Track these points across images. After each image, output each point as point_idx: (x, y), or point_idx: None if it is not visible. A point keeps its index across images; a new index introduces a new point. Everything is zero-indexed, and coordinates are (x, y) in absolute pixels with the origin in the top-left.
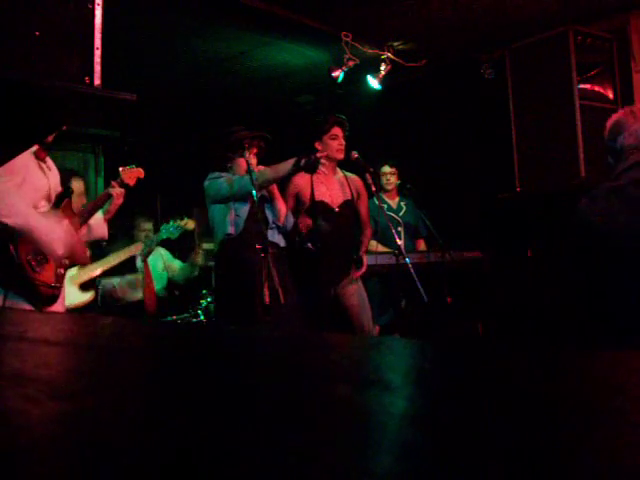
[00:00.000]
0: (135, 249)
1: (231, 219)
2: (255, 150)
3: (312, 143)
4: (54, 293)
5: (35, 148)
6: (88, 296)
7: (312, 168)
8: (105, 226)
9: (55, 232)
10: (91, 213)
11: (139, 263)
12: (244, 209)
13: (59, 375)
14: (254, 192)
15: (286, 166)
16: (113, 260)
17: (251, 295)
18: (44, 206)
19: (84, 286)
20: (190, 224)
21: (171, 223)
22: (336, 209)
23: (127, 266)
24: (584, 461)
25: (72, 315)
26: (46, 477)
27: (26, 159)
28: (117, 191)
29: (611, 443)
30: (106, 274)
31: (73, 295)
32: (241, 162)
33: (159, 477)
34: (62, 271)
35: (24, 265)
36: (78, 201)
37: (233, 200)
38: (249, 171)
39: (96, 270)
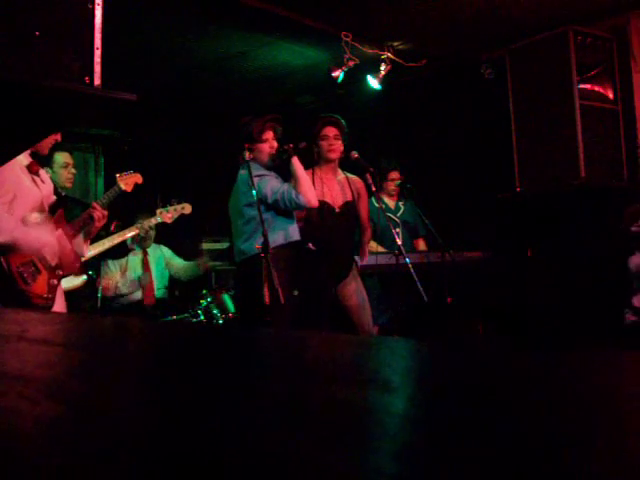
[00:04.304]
0: (130, 233)
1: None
2: (271, 133)
3: (312, 145)
4: (47, 304)
5: (28, 162)
6: (80, 280)
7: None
8: (85, 246)
9: (43, 239)
10: (81, 228)
11: (136, 248)
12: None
13: (59, 375)
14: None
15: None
16: (108, 242)
17: (252, 295)
18: (36, 217)
19: None
20: (187, 208)
21: (167, 207)
22: (337, 210)
23: (121, 251)
24: (584, 461)
25: (72, 315)
26: (45, 477)
27: (17, 174)
28: (98, 213)
29: (611, 443)
30: (100, 256)
31: (65, 279)
32: (262, 148)
33: (159, 478)
34: (55, 282)
35: (15, 277)
36: (65, 173)
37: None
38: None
39: (90, 252)
